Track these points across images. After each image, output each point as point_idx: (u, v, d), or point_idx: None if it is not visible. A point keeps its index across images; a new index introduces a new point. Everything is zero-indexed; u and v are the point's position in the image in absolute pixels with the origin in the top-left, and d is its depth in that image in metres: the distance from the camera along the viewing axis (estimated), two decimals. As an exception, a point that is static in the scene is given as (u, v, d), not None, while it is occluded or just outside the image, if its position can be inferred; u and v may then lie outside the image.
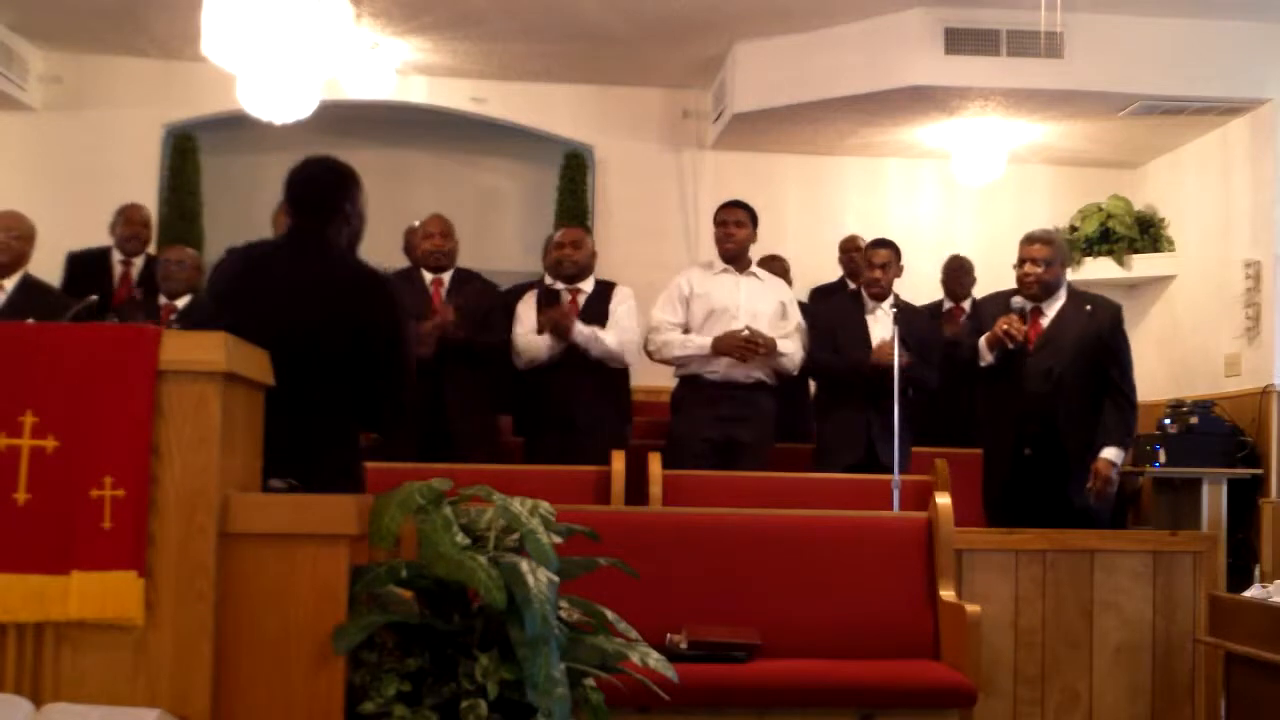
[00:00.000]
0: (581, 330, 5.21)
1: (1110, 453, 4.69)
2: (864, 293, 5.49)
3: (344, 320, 3.15)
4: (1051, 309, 4.79)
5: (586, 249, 5.49)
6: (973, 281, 6.61)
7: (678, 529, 4.10)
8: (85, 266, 6.21)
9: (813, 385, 5.93)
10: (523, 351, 5.29)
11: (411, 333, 3.46)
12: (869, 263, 5.50)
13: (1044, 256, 4.73)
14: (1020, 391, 4.72)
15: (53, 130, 7.58)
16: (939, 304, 6.63)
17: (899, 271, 5.51)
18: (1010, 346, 4.66)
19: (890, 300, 5.39)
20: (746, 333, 5.19)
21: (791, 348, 5.32)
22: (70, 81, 7.62)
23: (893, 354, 4.93)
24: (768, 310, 5.35)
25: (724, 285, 5.38)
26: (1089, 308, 4.80)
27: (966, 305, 6.43)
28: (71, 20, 7.08)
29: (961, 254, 6.78)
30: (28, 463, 2.31)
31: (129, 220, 6.27)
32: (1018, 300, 4.74)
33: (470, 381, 5.31)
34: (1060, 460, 4.72)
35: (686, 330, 5.33)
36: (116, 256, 6.26)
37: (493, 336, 5.33)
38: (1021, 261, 4.78)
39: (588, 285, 5.44)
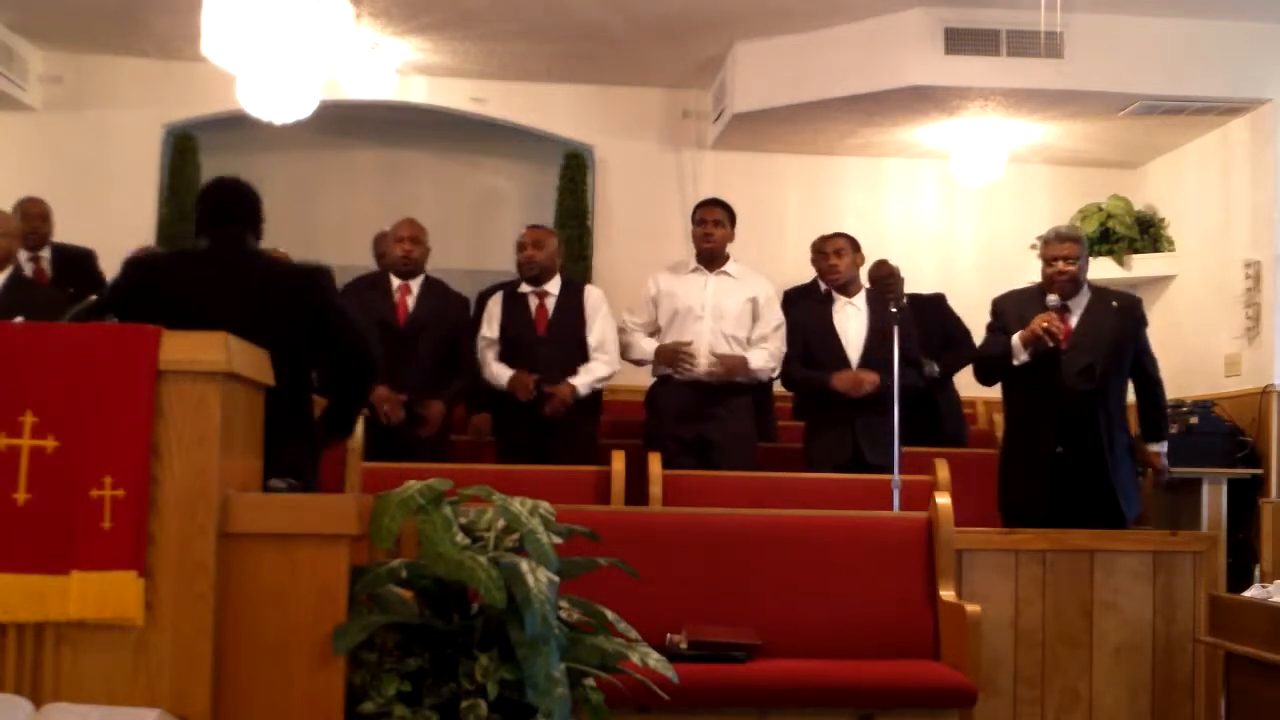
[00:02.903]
0: (583, 387, 5.16)
1: (1159, 446, 4.94)
2: (831, 291, 5.50)
3: (288, 315, 3.29)
4: (1079, 306, 4.73)
5: (549, 249, 5.38)
6: (902, 284, 6.48)
7: (678, 529, 4.11)
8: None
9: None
10: (484, 370, 5.26)
11: (350, 307, 3.65)
12: (823, 252, 5.55)
13: (1074, 254, 4.69)
14: (1059, 390, 4.64)
15: (53, 130, 7.58)
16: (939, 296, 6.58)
17: (860, 260, 5.55)
18: (1050, 345, 4.60)
19: (861, 295, 5.46)
20: (695, 351, 5.15)
21: (761, 360, 5.24)
22: (70, 81, 7.61)
23: (859, 383, 5.14)
24: (734, 309, 5.28)
25: (691, 285, 5.33)
26: (1115, 304, 4.76)
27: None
28: (71, 20, 7.08)
29: (888, 259, 6.66)
30: (28, 463, 2.31)
31: (25, 215, 5.97)
32: (1053, 298, 4.67)
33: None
34: (1099, 457, 4.64)
35: (656, 331, 5.33)
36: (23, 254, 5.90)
37: (460, 384, 5.30)
38: (1051, 260, 4.72)
39: (553, 287, 5.37)
